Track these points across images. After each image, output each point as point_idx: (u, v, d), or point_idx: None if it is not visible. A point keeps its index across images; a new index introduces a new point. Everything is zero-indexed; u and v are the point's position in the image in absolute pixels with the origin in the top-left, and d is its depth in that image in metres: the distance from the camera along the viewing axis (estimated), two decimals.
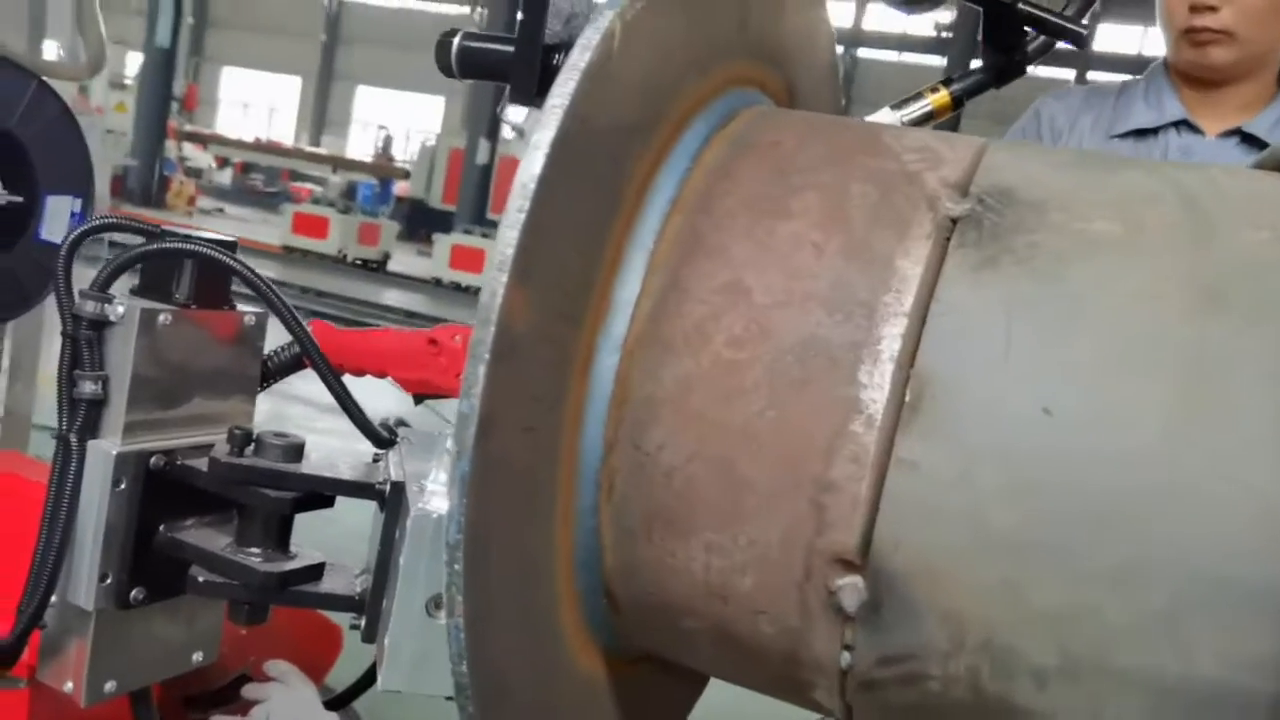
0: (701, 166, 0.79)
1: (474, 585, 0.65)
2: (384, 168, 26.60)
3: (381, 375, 1.26)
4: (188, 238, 1.20)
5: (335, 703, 1.59)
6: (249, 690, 1.67)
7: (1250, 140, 2.16)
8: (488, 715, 0.69)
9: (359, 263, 17.66)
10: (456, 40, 1.10)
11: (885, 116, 1.08)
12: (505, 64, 1.09)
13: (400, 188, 25.19)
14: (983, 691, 0.66)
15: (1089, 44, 1.26)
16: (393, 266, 18.20)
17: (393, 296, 14.72)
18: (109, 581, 1.12)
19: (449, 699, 1.04)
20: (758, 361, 0.69)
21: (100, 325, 1.14)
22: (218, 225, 20.76)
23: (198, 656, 1.28)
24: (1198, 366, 0.62)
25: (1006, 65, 1.08)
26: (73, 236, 1.17)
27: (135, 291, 1.21)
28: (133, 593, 1.14)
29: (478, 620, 0.66)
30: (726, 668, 0.79)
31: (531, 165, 0.65)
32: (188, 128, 26.89)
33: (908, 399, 0.66)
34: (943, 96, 1.08)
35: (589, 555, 0.77)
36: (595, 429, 0.73)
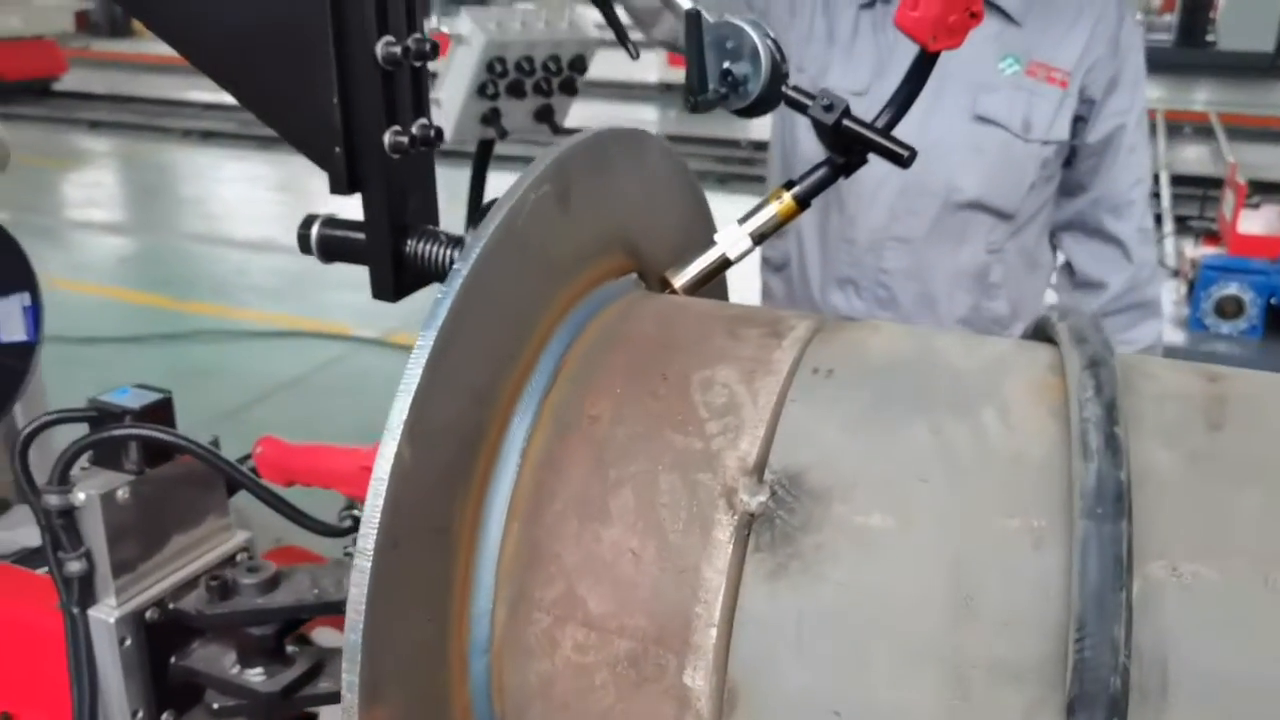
0: (530, 462, 0.87)
1: None
2: None
3: (331, 488, 1.37)
4: (124, 413, 1.30)
5: None
6: None
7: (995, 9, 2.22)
8: None
9: None
10: (315, 229, 1.14)
11: (732, 232, 1.11)
12: (362, 252, 1.14)
13: None
14: None
15: (910, 160, 1.21)
16: None
17: None
18: (140, 716, 1.32)
19: None
20: (602, 665, 0.81)
21: (68, 512, 1.27)
22: None
23: None
24: (957, 678, 0.72)
25: (847, 162, 1.09)
26: (20, 440, 1.28)
27: (93, 460, 1.33)
28: (163, 717, 1.34)
29: None
30: None
31: (359, 587, 0.74)
32: None
33: (725, 698, 0.78)
34: (788, 204, 1.10)
35: None
36: (484, 709, 0.87)
